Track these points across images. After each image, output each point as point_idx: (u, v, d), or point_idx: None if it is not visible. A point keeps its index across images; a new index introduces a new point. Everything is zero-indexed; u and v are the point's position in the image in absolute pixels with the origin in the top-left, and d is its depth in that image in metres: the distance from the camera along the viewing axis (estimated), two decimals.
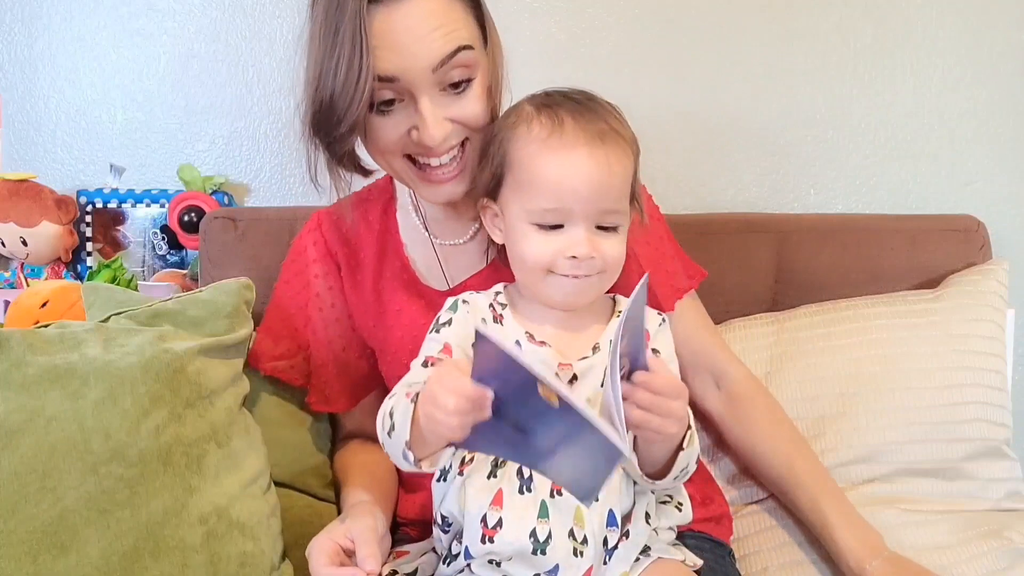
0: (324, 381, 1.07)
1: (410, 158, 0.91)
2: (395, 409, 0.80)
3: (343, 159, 0.91)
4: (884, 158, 1.54)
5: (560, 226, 0.82)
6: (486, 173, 0.88)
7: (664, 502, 0.91)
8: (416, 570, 0.92)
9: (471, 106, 0.88)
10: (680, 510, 0.92)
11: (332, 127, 0.85)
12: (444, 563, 0.89)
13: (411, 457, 0.77)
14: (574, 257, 0.81)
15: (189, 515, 0.86)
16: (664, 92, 1.54)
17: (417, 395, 0.75)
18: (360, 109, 0.83)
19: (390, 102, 0.86)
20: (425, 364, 0.86)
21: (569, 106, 0.84)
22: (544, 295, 0.85)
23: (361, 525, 0.89)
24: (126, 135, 1.62)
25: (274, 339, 1.07)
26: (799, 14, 1.51)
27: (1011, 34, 1.50)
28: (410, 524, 1.05)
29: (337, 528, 0.90)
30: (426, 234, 1.03)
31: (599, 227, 0.82)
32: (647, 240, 1.05)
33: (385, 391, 0.91)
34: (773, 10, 1.51)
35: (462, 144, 0.91)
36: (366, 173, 0.94)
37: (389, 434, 0.79)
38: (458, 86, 0.87)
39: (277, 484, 1.02)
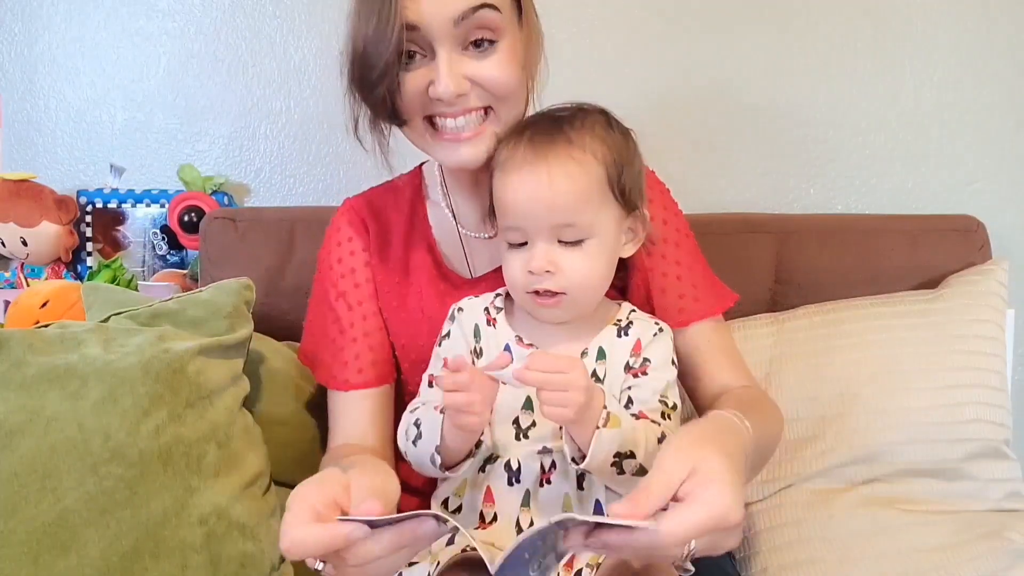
0: (352, 357, 1.03)
1: (430, 121, 0.92)
2: (422, 420, 0.83)
3: (379, 109, 0.92)
4: (884, 158, 1.54)
5: (526, 243, 0.85)
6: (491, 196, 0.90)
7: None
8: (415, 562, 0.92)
9: (492, 68, 0.88)
10: None
11: (367, 75, 0.87)
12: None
13: (438, 461, 0.81)
14: (531, 272, 0.83)
15: (189, 515, 0.86)
16: (664, 92, 1.54)
17: (443, 409, 0.79)
18: (391, 54, 0.84)
19: (412, 55, 0.88)
20: (430, 384, 0.90)
21: (537, 126, 0.86)
22: (530, 313, 0.88)
23: (367, 482, 0.71)
24: (126, 135, 1.62)
25: (318, 335, 1.07)
26: (799, 14, 1.51)
27: (1011, 34, 1.50)
28: None
29: (334, 476, 0.70)
30: (454, 223, 1.03)
31: (563, 242, 0.83)
32: (678, 260, 1.00)
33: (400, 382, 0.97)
34: (773, 10, 1.51)
35: (485, 112, 0.91)
36: (402, 122, 0.94)
37: (415, 443, 0.83)
38: (480, 45, 0.87)
39: (277, 484, 1.01)
